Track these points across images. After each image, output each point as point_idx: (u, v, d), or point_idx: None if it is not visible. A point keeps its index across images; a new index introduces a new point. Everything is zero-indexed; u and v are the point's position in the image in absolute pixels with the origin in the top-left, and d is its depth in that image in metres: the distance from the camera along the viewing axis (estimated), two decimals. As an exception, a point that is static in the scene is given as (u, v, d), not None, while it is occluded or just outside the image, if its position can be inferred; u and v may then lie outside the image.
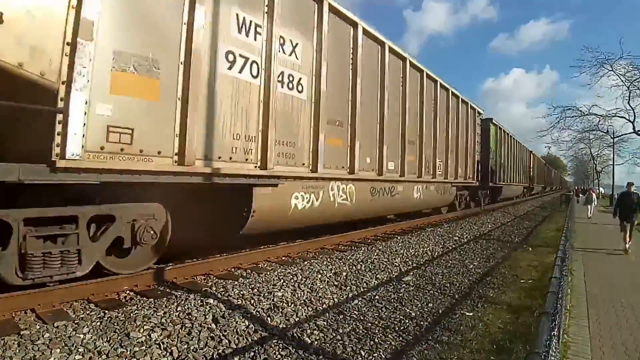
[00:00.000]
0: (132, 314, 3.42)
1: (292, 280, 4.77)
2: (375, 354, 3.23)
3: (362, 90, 7.35)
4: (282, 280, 4.73)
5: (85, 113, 3.50)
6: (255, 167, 5.24)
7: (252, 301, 3.98)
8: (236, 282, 4.55)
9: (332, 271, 5.34)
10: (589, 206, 18.53)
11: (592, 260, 7.96)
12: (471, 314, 4.34)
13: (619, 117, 21.06)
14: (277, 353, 3.07)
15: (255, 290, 4.29)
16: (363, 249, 7.00)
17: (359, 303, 4.36)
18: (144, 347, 2.92)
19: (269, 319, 3.69)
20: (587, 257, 8.18)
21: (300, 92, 6.01)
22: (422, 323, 3.99)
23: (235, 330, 3.36)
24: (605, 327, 4.16)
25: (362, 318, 3.96)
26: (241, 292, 4.16)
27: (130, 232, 4.27)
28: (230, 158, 4.92)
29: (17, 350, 2.71)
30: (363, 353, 3.22)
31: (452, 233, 9.92)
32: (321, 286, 4.73)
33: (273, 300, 4.09)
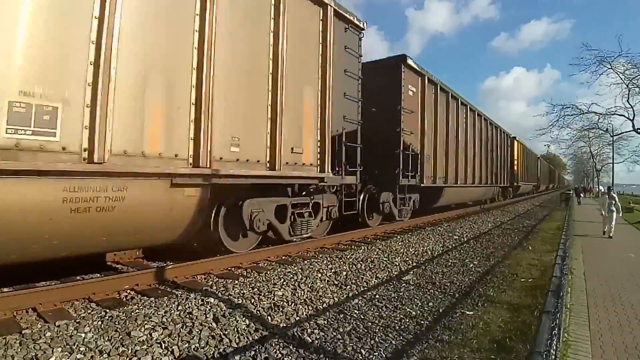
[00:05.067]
0: (133, 313, 3.42)
1: (293, 280, 4.78)
2: (376, 353, 3.24)
3: (459, 143, 13.41)
4: (282, 280, 4.73)
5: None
6: (443, 181, 12.09)
7: (253, 300, 3.98)
8: (236, 281, 4.55)
9: (332, 270, 5.35)
10: (607, 214, 11.30)
11: None
12: (472, 312, 4.35)
13: (619, 115, 21.07)
14: (277, 352, 3.08)
15: (256, 289, 4.29)
16: (363, 248, 7.01)
17: (360, 302, 4.37)
18: (145, 346, 2.92)
19: (269, 318, 3.70)
20: None
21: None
22: (422, 322, 4.00)
23: (236, 329, 3.36)
24: None
25: (362, 317, 3.97)
26: (242, 291, 4.16)
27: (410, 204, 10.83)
28: (440, 178, 11.81)
29: (19, 350, 2.71)
30: (364, 352, 3.23)
31: (452, 232, 9.94)
32: (321, 285, 4.73)
33: (273, 299, 4.10)
